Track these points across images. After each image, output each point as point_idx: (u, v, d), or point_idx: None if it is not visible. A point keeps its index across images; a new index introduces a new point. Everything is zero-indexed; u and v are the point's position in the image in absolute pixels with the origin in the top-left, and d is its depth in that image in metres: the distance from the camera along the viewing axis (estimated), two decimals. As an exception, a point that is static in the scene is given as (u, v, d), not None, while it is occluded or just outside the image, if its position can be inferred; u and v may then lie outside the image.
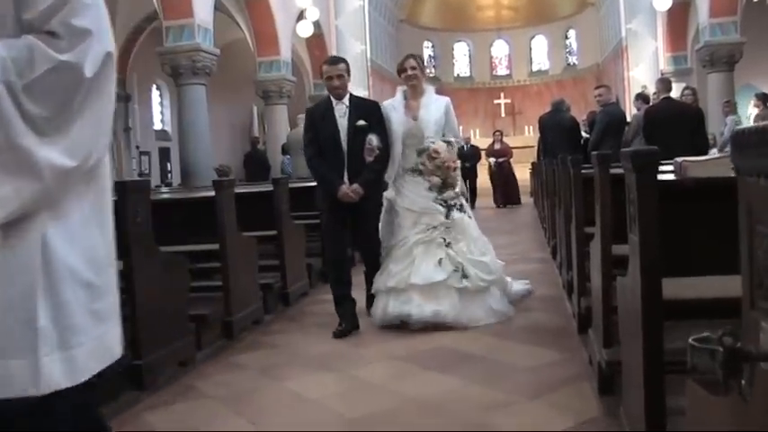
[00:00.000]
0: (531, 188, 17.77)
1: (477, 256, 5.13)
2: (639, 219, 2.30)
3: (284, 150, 13.69)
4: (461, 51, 33.25)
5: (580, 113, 17.11)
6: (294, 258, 6.52)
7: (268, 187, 6.73)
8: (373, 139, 5.08)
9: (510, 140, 20.69)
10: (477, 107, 31.33)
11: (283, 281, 6.23)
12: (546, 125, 11.03)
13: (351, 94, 5.30)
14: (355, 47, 22.04)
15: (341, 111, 5.19)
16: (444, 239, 5.09)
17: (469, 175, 15.97)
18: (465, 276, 4.97)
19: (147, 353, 3.90)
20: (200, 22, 13.04)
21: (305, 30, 17.54)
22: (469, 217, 5.36)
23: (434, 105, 5.33)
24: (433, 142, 5.14)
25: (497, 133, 18.71)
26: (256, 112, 21.71)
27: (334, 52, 20.51)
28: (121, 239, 2.85)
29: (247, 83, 17.88)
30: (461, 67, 33.30)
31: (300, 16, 17.87)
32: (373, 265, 5.34)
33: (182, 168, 13.61)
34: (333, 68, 5.22)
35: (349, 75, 5.32)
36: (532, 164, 16.52)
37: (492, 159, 17.81)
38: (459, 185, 5.28)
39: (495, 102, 30.93)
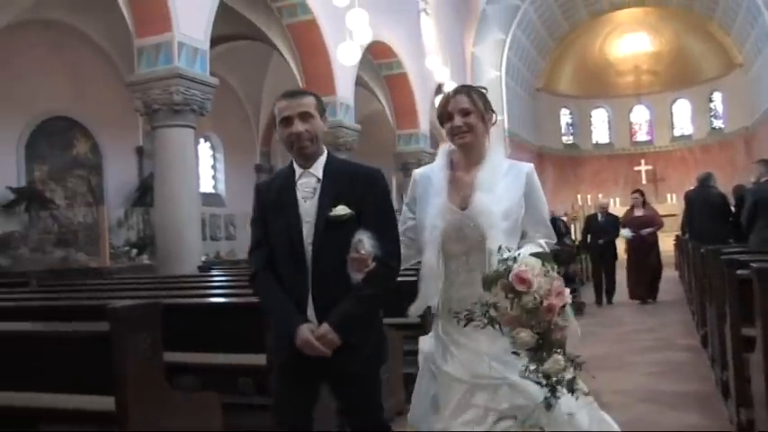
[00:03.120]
0: (676, 260, 16.98)
1: None
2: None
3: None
4: (600, 118, 32.71)
5: (728, 181, 16.40)
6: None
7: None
8: (364, 242, 2.69)
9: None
10: (617, 175, 30.60)
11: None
12: (692, 202, 10.61)
13: (329, 156, 2.92)
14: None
15: (307, 187, 2.84)
16: None
17: (606, 255, 12.44)
18: None
19: None
20: (341, 99, 13.67)
21: (443, 103, 17.79)
22: (588, 397, 2.59)
23: (505, 181, 2.82)
24: (514, 258, 2.42)
25: (637, 195, 12.89)
26: (395, 182, 22.15)
27: (470, 123, 20.73)
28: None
29: (385, 153, 18.37)
30: (600, 133, 32.72)
31: (439, 90, 18.27)
32: None
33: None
34: (292, 103, 2.83)
35: (324, 118, 2.93)
36: (677, 236, 15.79)
37: (627, 232, 12.41)
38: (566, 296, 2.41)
39: (636, 169, 30.04)
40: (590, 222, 13.22)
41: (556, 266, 2.44)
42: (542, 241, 2.78)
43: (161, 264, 9.91)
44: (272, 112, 2.99)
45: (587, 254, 14.23)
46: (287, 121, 2.83)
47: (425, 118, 18.04)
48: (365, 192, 2.83)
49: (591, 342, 7.93)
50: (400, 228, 2.94)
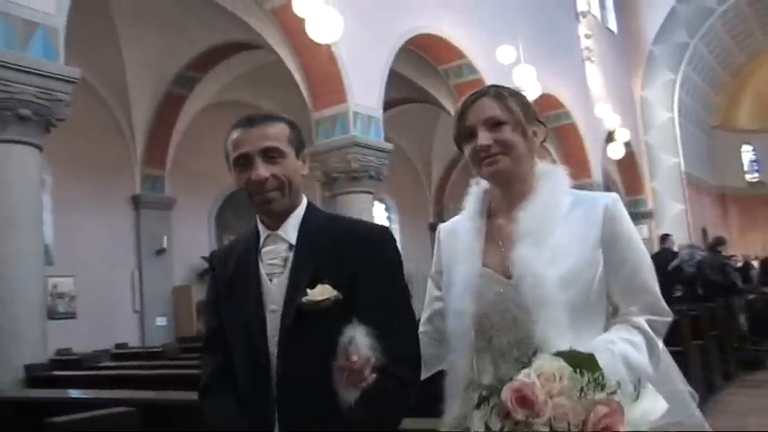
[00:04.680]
0: None
1: None
2: None
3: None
4: (787, 152, 30.48)
5: None
6: None
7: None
8: (358, 342, 1.69)
9: None
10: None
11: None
12: None
13: (309, 210, 1.97)
14: (668, 160, 21.40)
15: (274, 258, 1.92)
16: None
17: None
18: None
19: None
20: (512, 155, 13.68)
21: (616, 152, 17.36)
22: None
23: (568, 225, 1.79)
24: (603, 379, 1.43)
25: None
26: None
27: (645, 169, 20.11)
28: None
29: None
30: (788, 169, 30.44)
31: (610, 137, 17.82)
32: None
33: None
34: (252, 134, 1.89)
35: (302, 155, 1.98)
36: None
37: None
38: None
39: (833, 205, 27.63)
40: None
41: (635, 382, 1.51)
42: (642, 321, 1.74)
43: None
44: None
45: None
46: (244, 161, 1.87)
47: (598, 168, 17.62)
48: (362, 262, 1.84)
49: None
50: (423, 315, 2.04)
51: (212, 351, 1.97)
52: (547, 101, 15.77)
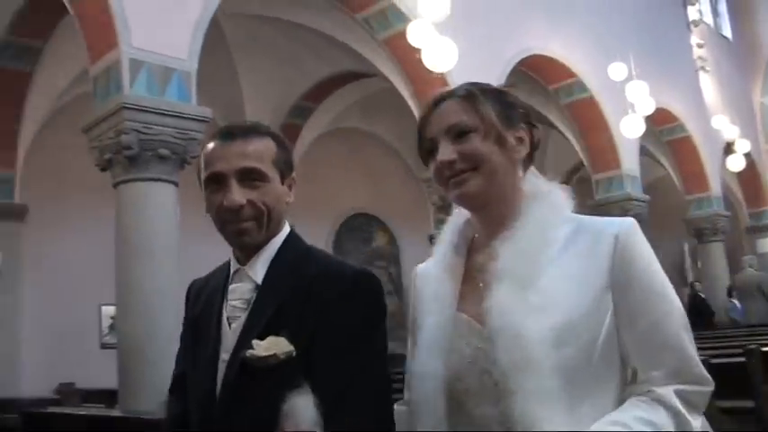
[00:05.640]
0: None
1: None
2: None
3: (729, 293, 13.04)
4: None
5: None
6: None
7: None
8: (299, 412, 1.39)
9: None
10: None
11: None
12: None
13: (287, 243, 1.70)
14: (793, 169, 20.45)
15: (238, 299, 1.64)
16: None
17: None
18: None
19: None
20: (627, 172, 13.47)
21: (736, 164, 16.78)
22: None
23: (566, 262, 1.39)
24: None
25: None
26: (687, 249, 21.05)
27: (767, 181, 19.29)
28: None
29: (675, 221, 17.58)
30: None
31: (728, 149, 17.24)
32: None
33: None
34: (229, 149, 1.60)
35: (289, 179, 1.70)
36: None
37: None
38: None
39: None
40: None
41: None
42: (670, 392, 1.30)
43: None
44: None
45: None
46: (218, 181, 1.60)
47: (716, 180, 17.07)
48: (324, 314, 1.52)
49: None
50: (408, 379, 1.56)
51: (176, 396, 1.74)
52: (660, 115, 15.45)
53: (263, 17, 11.17)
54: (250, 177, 1.58)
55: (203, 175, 1.63)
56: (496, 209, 1.46)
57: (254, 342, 1.48)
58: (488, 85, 1.52)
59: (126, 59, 6.84)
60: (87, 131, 7.15)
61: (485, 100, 1.46)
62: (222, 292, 1.65)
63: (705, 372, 1.35)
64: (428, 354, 1.41)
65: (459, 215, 1.58)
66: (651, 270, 1.38)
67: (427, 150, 1.48)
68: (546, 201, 1.47)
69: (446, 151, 1.43)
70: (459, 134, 1.43)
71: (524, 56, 11.96)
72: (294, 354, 1.48)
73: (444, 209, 10.80)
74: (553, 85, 13.50)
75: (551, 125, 14.77)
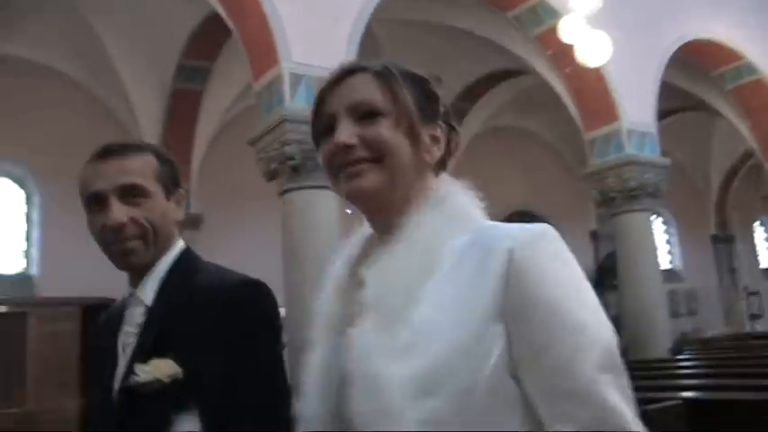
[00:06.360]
0: None
1: None
2: None
3: None
4: None
5: None
6: None
7: None
8: None
9: None
10: None
11: None
12: None
13: (180, 261, 1.60)
14: None
15: (132, 324, 1.55)
16: None
17: None
18: None
19: None
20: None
21: None
22: None
23: (450, 284, 1.05)
24: None
25: None
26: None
27: None
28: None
29: None
30: None
31: None
32: None
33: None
34: (106, 168, 1.53)
35: (177, 194, 1.62)
36: None
37: None
38: None
39: None
40: None
41: None
42: None
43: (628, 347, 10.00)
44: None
45: None
46: (98, 201, 1.53)
47: None
48: (209, 328, 1.44)
49: None
50: None
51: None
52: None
53: (414, 21, 11.34)
54: (131, 194, 1.52)
55: (83, 199, 1.55)
56: (396, 218, 1.15)
57: (137, 367, 1.40)
58: (410, 68, 1.23)
59: (287, 74, 7.22)
60: (253, 144, 7.62)
61: (404, 83, 1.18)
62: (119, 319, 1.58)
63: (632, 424, 0.99)
64: (310, 390, 1.17)
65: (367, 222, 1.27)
66: (558, 292, 1.02)
67: (324, 127, 1.19)
68: (438, 209, 1.15)
69: (346, 132, 1.14)
70: (365, 115, 1.15)
71: (684, 41, 11.41)
72: (181, 376, 1.38)
73: (606, 205, 10.53)
74: (718, 70, 12.78)
75: (716, 112, 14.01)
